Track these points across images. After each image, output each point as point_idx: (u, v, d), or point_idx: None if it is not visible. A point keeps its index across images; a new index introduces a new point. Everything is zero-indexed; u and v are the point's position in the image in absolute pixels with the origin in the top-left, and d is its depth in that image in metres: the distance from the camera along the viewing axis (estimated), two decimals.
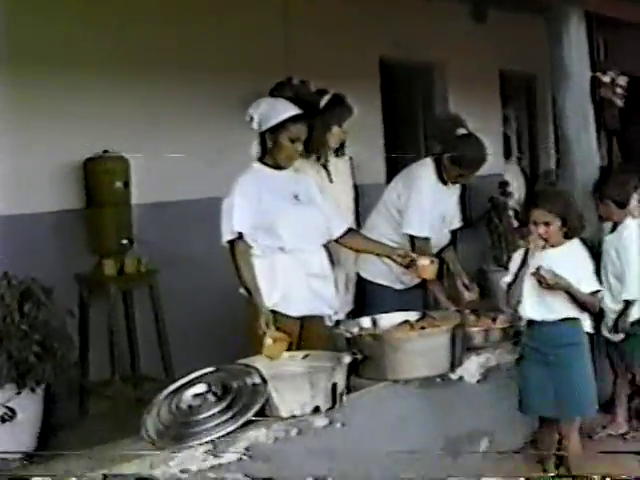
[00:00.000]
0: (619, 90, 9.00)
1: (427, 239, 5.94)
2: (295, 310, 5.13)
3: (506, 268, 7.14)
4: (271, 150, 5.14)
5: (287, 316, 5.10)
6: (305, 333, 5.20)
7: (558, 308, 5.18)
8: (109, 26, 6.84)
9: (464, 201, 6.46)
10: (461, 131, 5.97)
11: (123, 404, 6.46)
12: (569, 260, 5.22)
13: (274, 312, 5.03)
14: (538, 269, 5.10)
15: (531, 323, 5.31)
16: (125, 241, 6.70)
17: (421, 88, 10.45)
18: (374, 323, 5.45)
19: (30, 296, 5.66)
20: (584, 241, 5.41)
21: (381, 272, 5.97)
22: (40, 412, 5.75)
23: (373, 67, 9.40)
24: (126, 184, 6.70)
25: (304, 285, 5.13)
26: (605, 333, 6.07)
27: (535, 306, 5.23)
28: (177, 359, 6.79)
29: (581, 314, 5.24)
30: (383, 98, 9.58)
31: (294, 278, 5.10)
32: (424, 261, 5.41)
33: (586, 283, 5.21)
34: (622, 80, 9.10)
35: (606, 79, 8.83)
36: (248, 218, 5.03)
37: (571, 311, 5.20)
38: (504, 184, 10.31)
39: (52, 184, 6.70)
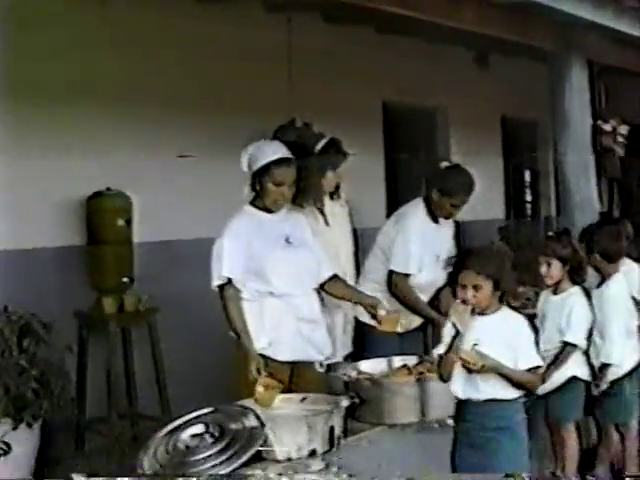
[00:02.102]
0: (620, 139, 9.05)
1: (406, 275, 5.90)
2: (284, 355, 5.09)
3: None
4: (259, 193, 5.14)
5: (277, 361, 5.06)
6: (295, 378, 5.16)
7: (485, 388, 4.51)
8: (116, 63, 6.91)
9: (459, 243, 6.46)
10: (445, 164, 6.07)
11: (119, 441, 6.44)
12: (504, 329, 4.54)
13: (264, 357, 4.99)
14: (457, 349, 4.47)
15: (460, 401, 4.67)
16: (125, 279, 6.71)
17: (423, 132, 10.50)
18: (371, 367, 5.44)
19: (29, 331, 5.69)
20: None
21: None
22: (36, 447, 5.77)
23: (376, 111, 9.47)
24: (128, 222, 6.72)
25: (293, 330, 5.10)
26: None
27: (462, 382, 4.56)
28: (174, 398, 6.78)
29: (519, 392, 4.55)
30: (385, 142, 9.63)
31: (283, 323, 5.08)
32: (381, 312, 5.33)
33: (524, 357, 4.50)
34: (623, 129, 9.16)
35: (607, 127, 8.88)
36: (238, 263, 5.01)
37: (501, 391, 4.50)
38: (504, 229, 10.34)
39: (54, 220, 6.73)
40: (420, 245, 5.94)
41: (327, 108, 8.04)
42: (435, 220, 6.03)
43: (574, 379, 5.76)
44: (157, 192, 7.03)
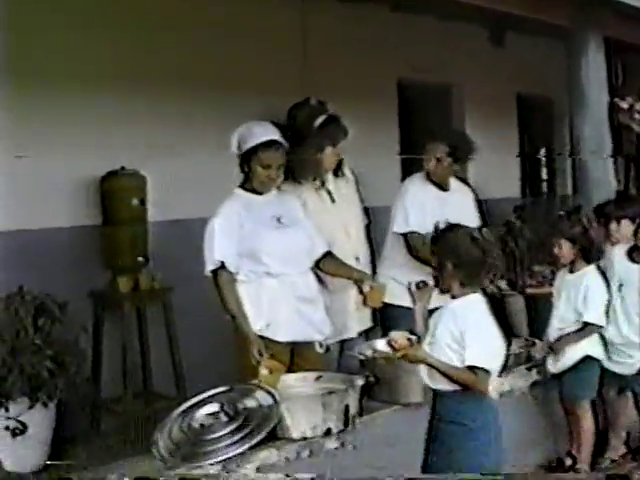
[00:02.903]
0: (637, 116, 8.98)
1: (417, 234, 5.86)
2: (283, 336, 5.08)
3: (521, 293, 7.20)
4: (248, 175, 5.14)
5: (276, 342, 5.05)
6: (297, 359, 5.16)
7: (436, 376, 4.31)
8: (130, 43, 6.89)
9: (483, 214, 6.41)
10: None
11: (134, 421, 6.45)
12: (457, 318, 4.26)
13: (263, 338, 4.99)
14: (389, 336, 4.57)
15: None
16: (140, 258, 6.71)
17: (438, 110, 10.44)
18: (386, 346, 5.41)
19: (44, 311, 5.71)
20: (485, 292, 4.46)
21: (397, 293, 5.90)
22: (51, 427, 5.80)
23: (391, 88, 9.43)
24: (142, 201, 6.71)
25: (292, 310, 5.09)
26: (611, 365, 5.98)
27: (424, 368, 4.37)
28: (189, 377, 6.78)
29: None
30: (400, 120, 9.60)
31: (281, 303, 5.07)
32: (365, 287, 5.31)
33: (468, 354, 4.18)
34: None
35: (624, 105, 8.81)
36: (230, 246, 5.01)
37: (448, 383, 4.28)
38: (520, 208, 10.28)
39: (69, 200, 6.73)
40: (419, 206, 5.94)
41: (342, 87, 7.99)
42: (440, 188, 6.04)
43: (588, 358, 5.76)
44: (171, 171, 7.00)
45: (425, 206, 5.92)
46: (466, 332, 4.19)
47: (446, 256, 4.32)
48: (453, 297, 4.35)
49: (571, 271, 5.83)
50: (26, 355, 5.54)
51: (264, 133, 5.10)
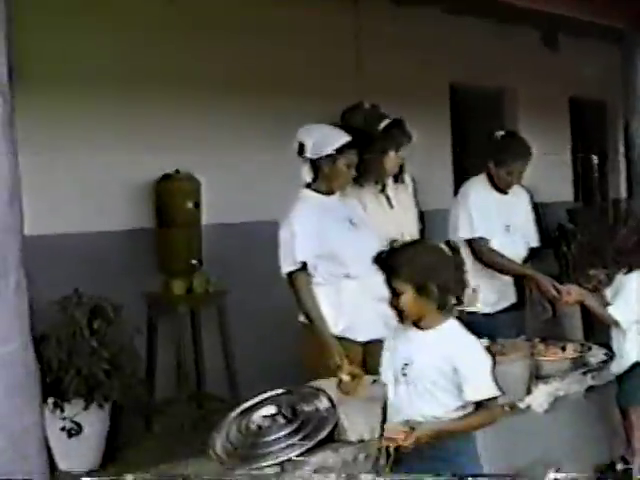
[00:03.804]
0: None
1: (483, 239, 5.86)
2: (363, 336, 5.08)
3: None
4: (326, 176, 5.10)
5: (352, 342, 5.05)
6: (369, 358, 5.16)
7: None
8: (181, 47, 6.93)
9: (538, 213, 6.39)
10: (500, 133, 6.03)
11: (188, 423, 6.48)
12: (443, 349, 3.80)
13: (340, 339, 4.98)
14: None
15: None
16: (194, 261, 6.74)
17: (491, 113, 10.42)
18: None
19: (100, 313, 5.75)
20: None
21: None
22: (106, 428, 5.84)
23: (443, 91, 9.44)
24: (197, 204, 6.75)
25: (371, 310, 5.07)
26: None
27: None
28: (243, 381, 6.80)
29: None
30: (453, 124, 9.59)
31: (361, 303, 5.06)
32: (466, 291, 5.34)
33: (471, 386, 3.77)
34: None
35: None
36: (310, 247, 4.98)
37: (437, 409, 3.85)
38: (572, 212, 10.24)
39: (124, 203, 6.81)
40: (483, 211, 5.91)
41: (394, 90, 7.96)
42: (501, 191, 6.01)
43: (637, 365, 5.72)
44: (225, 174, 7.08)
45: (489, 210, 5.92)
46: (459, 365, 3.74)
47: (420, 278, 3.77)
48: (419, 327, 3.86)
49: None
50: (82, 357, 5.57)
51: (342, 135, 5.11)
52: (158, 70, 6.78)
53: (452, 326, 3.86)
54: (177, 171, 6.72)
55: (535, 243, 6.21)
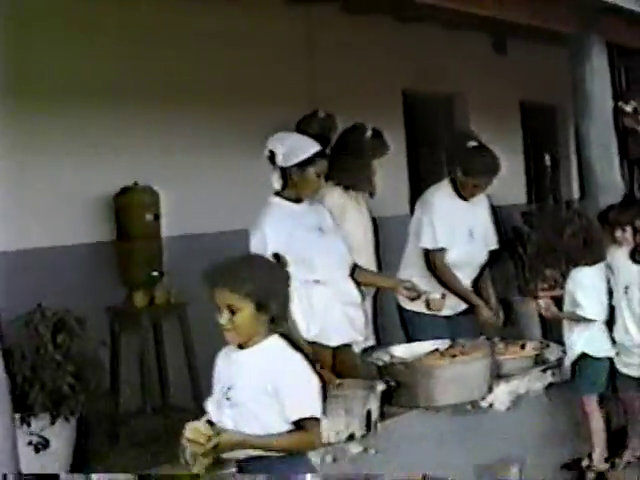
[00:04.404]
0: None
1: (441, 249, 5.98)
2: (335, 340, 5.21)
3: (535, 297, 7.28)
4: (296, 184, 5.20)
5: (323, 347, 5.14)
6: (337, 363, 5.26)
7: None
8: (146, 58, 6.96)
9: (497, 218, 6.50)
10: (472, 144, 6.08)
11: (154, 434, 6.49)
12: (265, 367, 3.58)
13: (311, 344, 5.00)
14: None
15: None
16: (155, 273, 6.74)
17: (443, 118, 10.53)
18: (404, 352, 5.51)
19: (64, 327, 5.72)
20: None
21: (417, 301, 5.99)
22: (73, 442, 5.80)
23: (396, 98, 9.50)
24: (156, 216, 6.76)
25: (341, 314, 5.21)
26: (624, 369, 6.04)
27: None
28: (207, 390, 6.81)
29: None
30: (406, 129, 9.67)
31: (331, 308, 5.18)
32: (435, 295, 5.45)
33: (293, 406, 3.54)
34: None
35: (628, 108, 8.91)
36: (282, 253, 5.07)
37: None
38: (527, 214, 10.36)
39: (84, 217, 6.78)
40: (447, 221, 6.03)
41: (347, 98, 8.06)
42: (463, 198, 6.09)
43: (585, 355, 5.86)
44: (184, 186, 7.08)
45: (452, 219, 6.03)
46: (280, 384, 3.53)
47: (262, 294, 3.55)
48: (241, 346, 3.64)
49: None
50: (47, 371, 5.56)
51: (313, 145, 5.22)
52: (113, 83, 6.77)
53: (275, 343, 3.63)
54: (135, 183, 6.72)
55: (495, 245, 6.32)
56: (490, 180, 6.05)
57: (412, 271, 6.01)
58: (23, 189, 6.34)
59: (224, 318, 3.54)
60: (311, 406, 3.55)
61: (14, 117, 6.09)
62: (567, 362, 5.95)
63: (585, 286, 5.87)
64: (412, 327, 6.01)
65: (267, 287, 3.58)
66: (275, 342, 3.62)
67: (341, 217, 5.84)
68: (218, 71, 7.46)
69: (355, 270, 5.41)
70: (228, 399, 3.63)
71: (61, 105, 6.51)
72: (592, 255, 5.91)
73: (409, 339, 5.93)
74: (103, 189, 6.78)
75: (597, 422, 5.91)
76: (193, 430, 3.54)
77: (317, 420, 3.56)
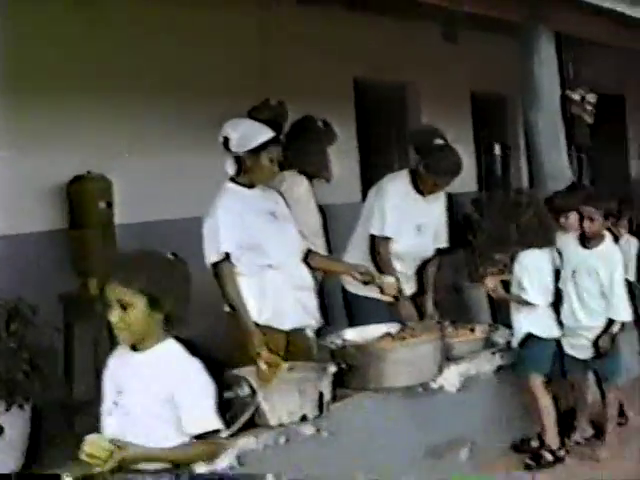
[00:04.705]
0: (589, 107, 9.18)
1: (386, 238, 6.06)
2: (287, 324, 5.26)
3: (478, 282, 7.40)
4: (249, 170, 5.26)
5: (276, 331, 5.20)
6: (291, 347, 5.32)
7: None
8: (92, 47, 6.94)
9: (452, 215, 6.58)
10: (438, 142, 6.11)
11: None
12: (161, 373, 3.40)
13: (263, 328, 5.12)
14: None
15: None
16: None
17: (395, 108, 10.59)
18: (356, 335, 5.58)
19: (17, 315, 5.73)
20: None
21: (360, 285, 6.08)
22: (28, 429, 5.77)
23: (347, 87, 9.56)
24: (109, 204, 6.77)
25: (292, 298, 5.27)
26: (571, 351, 6.16)
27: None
28: None
29: None
30: (357, 118, 9.73)
31: (283, 293, 5.23)
32: (389, 279, 5.53)
33: (190, 418, 3.38)
34: (592, 97, 9.28)
35: (576, 97, 9.01)
36: (234, 238, 5.13)
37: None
38: (477, 201, 10.46)
39: (37, 205, 6.79)
40: (398, 212, 6.08)
41: (299, 87, 8.09)
42: (420, 192, 6.15)
43: (531, 336, 5.97)
44: (137, 174, 7.12)
45: (404, 212, 6.10)
46: (176, 394, 3.35)
47: (156, 289, 3.36)
48: (134, 348, 3.46)
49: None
50: (1, 359, 5.58)
51: (267, 131, 5.27)
52: (67, 70, 6.79)
53: (170, 347, 3.44)
54: (88, 172, 6.73)
55: (444, 244, 6.38)
56: (451, 180, 6.10)
57: (357, 254, 6.09)
58: None
59: (115, 315, 3.33)
60: (211, 419, 3.39)
61: None
62: (514, 342, 6.05)
63: (530, 270, 5.98)
64: (356, 310, 6.09)
65: (161, 283, 3.36)
66: (171, 346, 3.43)
67: (307, 204, 5.93)
68: (171, 60, 7.46)
69: (309, 255, 5.48)
70: (116, 404, 3.45)
71: (13, 93, 6.48)
72: (542, 239, 6.00)
73: (351, 322, 6.00)
74: (56, 177, 6.79)
75: (545, 402, 6.01)
76: (92, 444, 3.24)
77: (218, 432, 3.42)
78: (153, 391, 3.34)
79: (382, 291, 5.53)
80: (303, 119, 6.45)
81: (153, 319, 3.36)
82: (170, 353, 3.39)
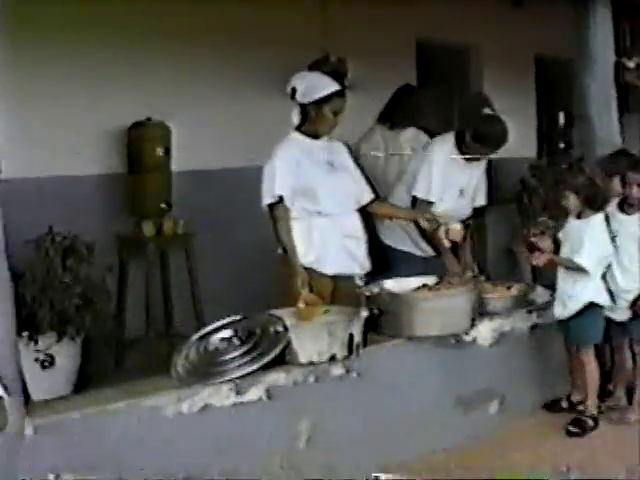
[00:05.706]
0: None
1: (430, 203, 6.15)
2: (330, 269, 5.49)
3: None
4: (313, 121, 5.49)
5: (322, 275, 5.45)
6: (337, 292, 5.54)
7: None
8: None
9: (491, 180, 6.67)
10: (487, 111, 6.18)
11: (156, 360, 6.70)
12: None
13: (309, 270, 5.37)
14: None
15: None
16: (164, 205, 6.99)
17: (457, 69, 10.60)
18: (395, 285, 5.71)
19: (73, 251, 5.95)
20: None
21: (401, 239, 6.31)
22: (78, 361, 6.01)
23: (409, 46, 9.61)
24: (167, 151, 6.99)
25: (339, 245, 5.50)
26: (610, 314, 6.21)
27: None
28: (210, 318, 7.03)
29: None
30: (419, 79, 9.76)
31: (330, 239, 5.47)
32: (455, 225, 5.73)
33: None
34: None
35: (631, 64, 8.99)
36: (288, 182, 5.39)
37: None
38: (534, 167, 10.48)
39: (98, 149, 7.04)
40: (443, 177, 6.18)
41: (360, 45, 8.18)
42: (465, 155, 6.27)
43: (592, 305, 5.99)
44: (195, 123, 7.29)
45: (448, 177, 6.20)
46: None
47: None
48: None
49: (578, 217, 6.03)
50: (55, 292, 5.78)
51: (332, 84, 5.51)
52: (131, 19, 6.94)
53: None
54: (148, 119, 6.93)
55: (482, 202, 6.50)
56: (496, 150, 6.19)
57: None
58: (41, 117, 6.57)
59: None
60: None
61: (22, 44, 6.21)
62: (562, 312, 6.02)
63: (589, 237, 5.96)
64: (394, 263, 6.24)
65: None
66: None
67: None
68: (234, 15, 7.59)
69: (374, 203, 5.75)
70: None
71: (74, 41, 6.67)
72: (596, 204, 6.00)
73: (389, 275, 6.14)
74: (117, 123, 7.02)
75: (593, 370, 6.03)
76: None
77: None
78: None
79: (447, 236, 5.70)
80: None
81: None
82: None
